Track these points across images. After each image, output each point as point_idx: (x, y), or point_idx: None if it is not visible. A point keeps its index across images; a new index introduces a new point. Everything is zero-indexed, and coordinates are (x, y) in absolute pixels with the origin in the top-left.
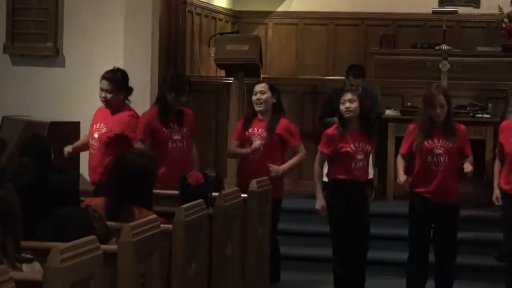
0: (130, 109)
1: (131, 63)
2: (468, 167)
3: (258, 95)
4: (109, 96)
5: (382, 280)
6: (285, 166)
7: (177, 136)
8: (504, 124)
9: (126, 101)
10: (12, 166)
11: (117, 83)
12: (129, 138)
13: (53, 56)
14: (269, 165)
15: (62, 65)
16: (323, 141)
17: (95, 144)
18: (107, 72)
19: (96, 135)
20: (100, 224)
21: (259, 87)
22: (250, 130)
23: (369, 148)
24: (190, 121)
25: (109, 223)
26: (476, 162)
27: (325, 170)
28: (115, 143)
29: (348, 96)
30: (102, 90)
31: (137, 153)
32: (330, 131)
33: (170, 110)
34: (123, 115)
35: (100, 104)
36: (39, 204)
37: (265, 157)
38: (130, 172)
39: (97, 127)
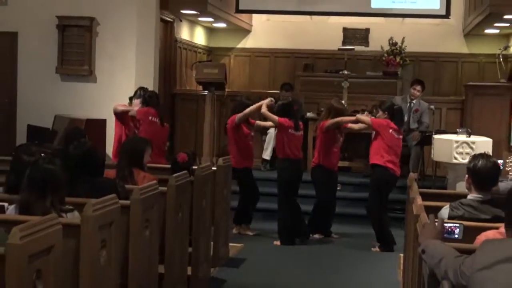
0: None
1: (140, 80)
2: None
3: None
4: None
5: None
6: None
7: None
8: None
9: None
10: (72, 143)
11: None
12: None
13: (88, 75)
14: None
15: (94, 81)
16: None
17: None
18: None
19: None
20: (122, 190)
21: None
22: None
23: None
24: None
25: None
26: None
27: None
28: None
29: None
30: None
31: (133, 137)
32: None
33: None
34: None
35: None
36: (82, 170)
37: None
38: (130, 148)
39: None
